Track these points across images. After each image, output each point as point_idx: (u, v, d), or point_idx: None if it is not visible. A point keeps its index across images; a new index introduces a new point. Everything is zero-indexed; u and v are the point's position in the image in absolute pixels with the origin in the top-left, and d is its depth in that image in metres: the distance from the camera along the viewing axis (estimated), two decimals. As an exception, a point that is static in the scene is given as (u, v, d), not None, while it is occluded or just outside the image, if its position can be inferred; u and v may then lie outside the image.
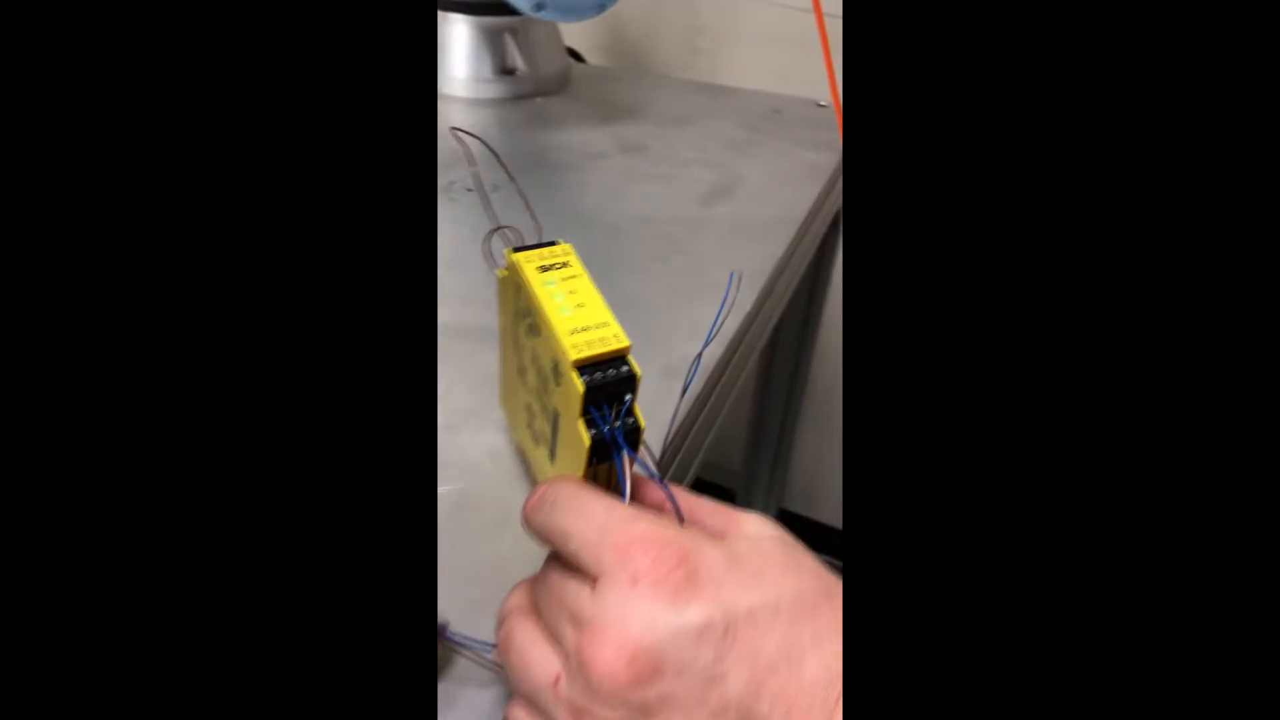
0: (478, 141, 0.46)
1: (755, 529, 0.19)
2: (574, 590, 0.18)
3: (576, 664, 0.17)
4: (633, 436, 0.20)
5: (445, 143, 0.33)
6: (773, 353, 0.76)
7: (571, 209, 0.49)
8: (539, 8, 0.53)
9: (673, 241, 0.46)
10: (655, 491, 0.21)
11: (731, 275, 0.41)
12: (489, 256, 0.26)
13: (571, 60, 0.72)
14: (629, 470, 0.20)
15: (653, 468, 0.21)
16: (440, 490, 0.28)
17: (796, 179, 0.54)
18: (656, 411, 0.32)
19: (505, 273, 0.24)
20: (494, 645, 0.21)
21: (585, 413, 0.20)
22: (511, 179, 0.31)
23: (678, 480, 0.36)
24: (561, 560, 0.19)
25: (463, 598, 0.24)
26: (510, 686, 0.21)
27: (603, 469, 0.20)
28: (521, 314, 0.23)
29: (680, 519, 0.20)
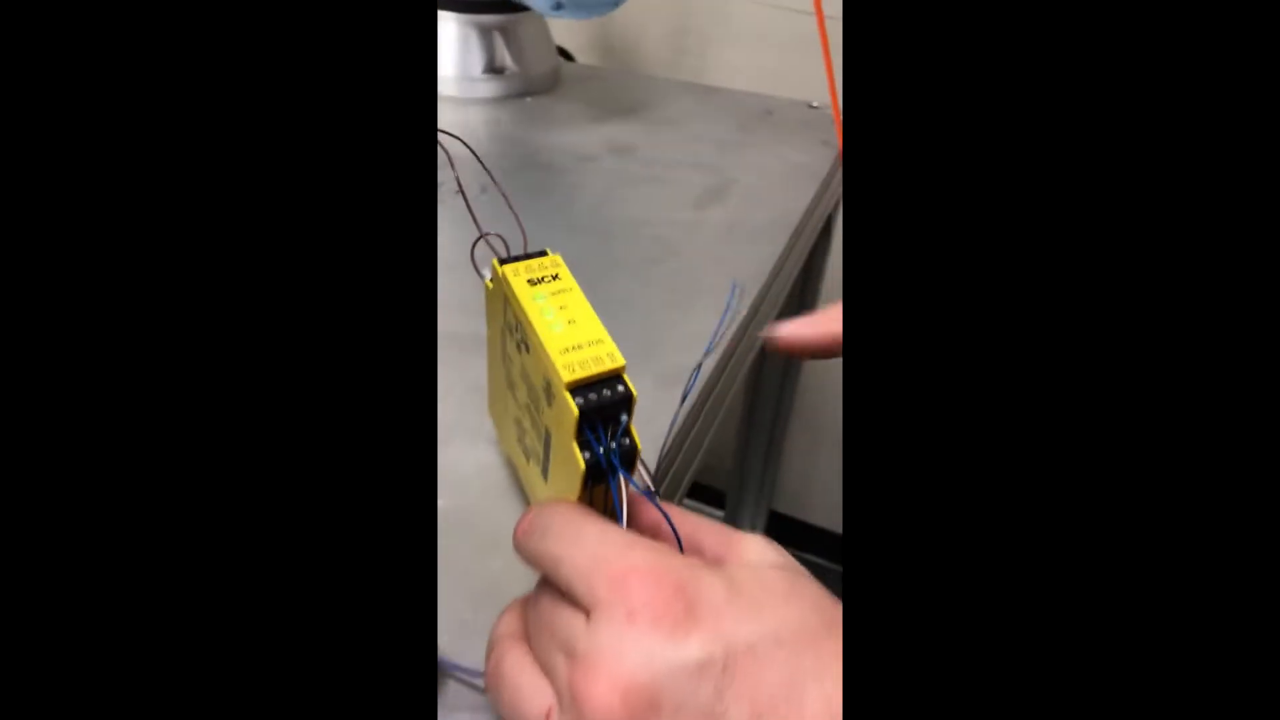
0: (467, 140, 0.45)
1: (756, 553, 0.19)
2: (567, 620, 0.17)
3: (569, 699, 0.16)
4: (629, 457, 0.19)
5: (433, 146, 0.32)
6: (763, 356, 0.75)
7: (562, 212, 0.48)
8: (557, 7, 0.52)
9: (666, 245, 0.45)
10: (652, 511, 0.20)
11: (734, 286, 0.41)
12: (475, 265, 0.25)
13: (561, 59, 0.71)
14: (625, 494, 0.19)
15: (650, 488, 0.20)
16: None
17: (790, 182, 0.53)
18: (652, 422, 0.32)
19: (492, 284, 0.23)
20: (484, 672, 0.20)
21: (579, 435, 0.19)
22: (495, 183, 0.30)
23: (672, 491, 0.35)
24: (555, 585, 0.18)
25: (451, 620, 0.23)
26: (498, 716, 0.20)
27: (598, 491, 0.20)
28: (510, 328, 0.22)
29: (679, 544, 0.19)
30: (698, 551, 0.19)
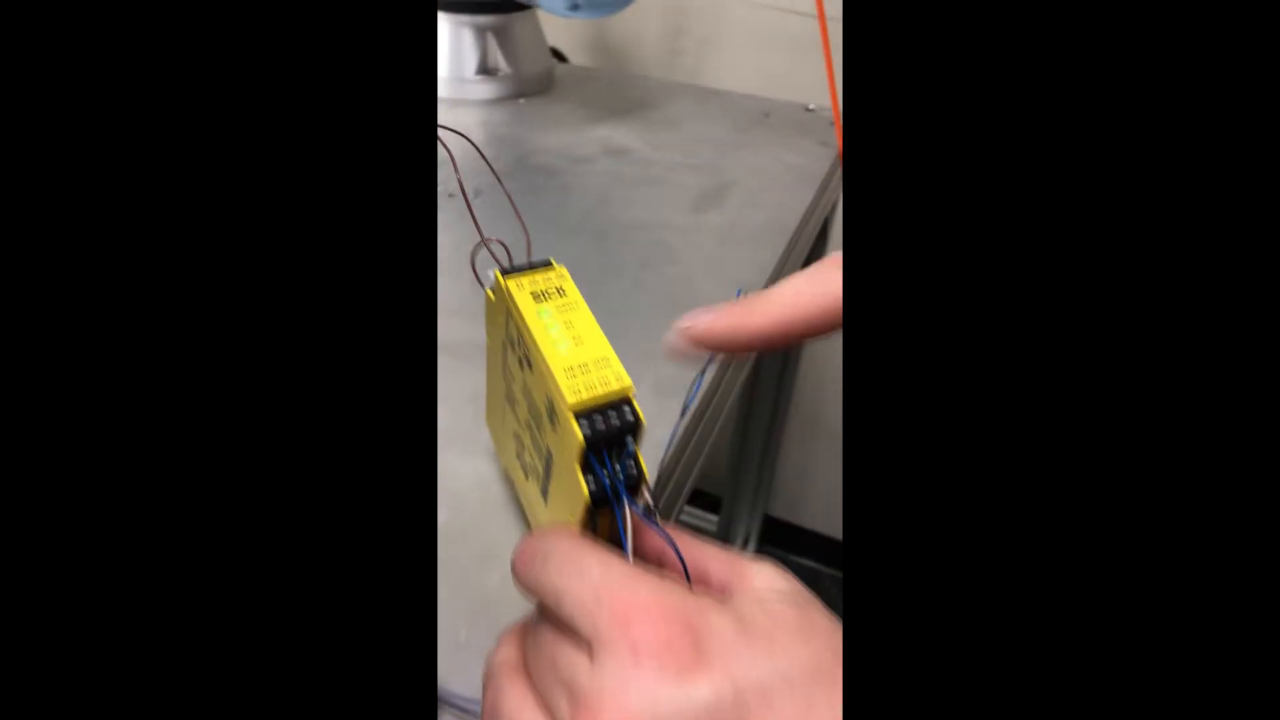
0: (463, 143, 0.44)
1: (764, 582, 0.18)
2: (569, 655, 0.16)
3: None
4: (635, 483, 0.18)
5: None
6: (759, 361, 0.75)
7: (558, 215, 0.47)
8: (574, 8, 0.51)
9: (663, 249, 0.44)
10: (656, 536, 0.19)
11: (739, 292, 0.40)
12: (475, 272, 0.24)
13: (555, 60, 0.71)
14: (630, 523, 0.18)
15: (653, 509, 0.19)
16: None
17: (787, 185, 0.53)
18: (651, 432, 0.31)
19: (494, 295, 0.22)
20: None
21: (584, 460, 0.18)
22: (500, 184, 0.29)
23: (672, 501, 0.34)
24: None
25: (447, 641, 0.23)
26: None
27: (602, 517, 0.19)
28: (512, 342, 0.21)
29: (686, 575, 0.18)
30: (703, 579, 0.19)
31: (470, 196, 0.44)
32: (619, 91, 0.67)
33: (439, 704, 0.21)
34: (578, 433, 0.18)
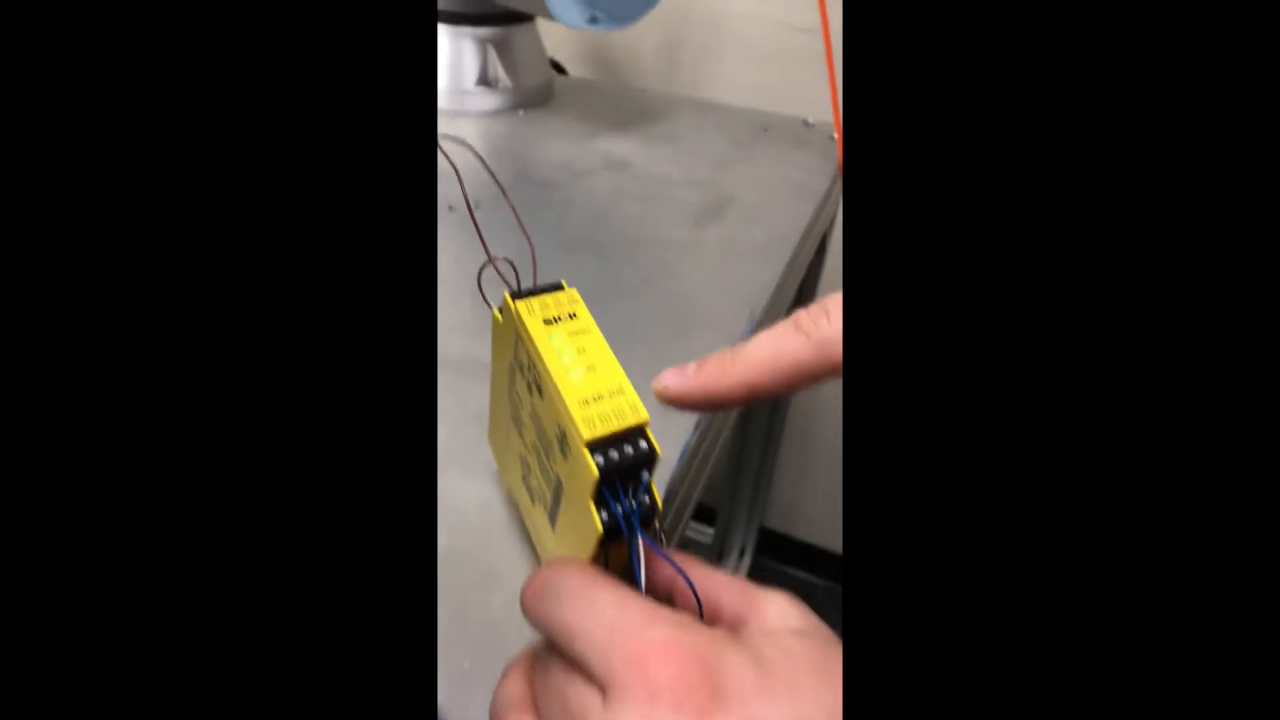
0: (467, 153, 0.43)
1: (778, 615, 0.17)
2: (582, 695, 0.16)
3: None
4: (649, 517, 0.18)
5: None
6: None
7: (557, 229, 0.47)
8: (592, 20, 0.51)
9: (664, 265, 0.44)
10: (666, 565, 0.19)
11: (750, 315, 0.40)
12: (482, 292, 0.24)
13: (554, 72, 0.70)
14: (644, 558, 0.18)
15: (663, 539, 0.19)
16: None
17: (787, 201, 0.53)
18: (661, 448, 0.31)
19: (501, 317, 0.21)
20: None
21: (596, 493, 0.18)
22: (505, 196, 0.29)
23: (677, 518, 0.34)
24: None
25: (450, 669, 0.22)
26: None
27: (614, 550, 0.18)
28: (521, 366, 0.21)
29: (700, 609, 0.18)
30: (716, 609, 0.18)
31: (472, 207, 0.44)
32: (618, 104, 0.67)
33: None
34: (592, 466, 0.17)
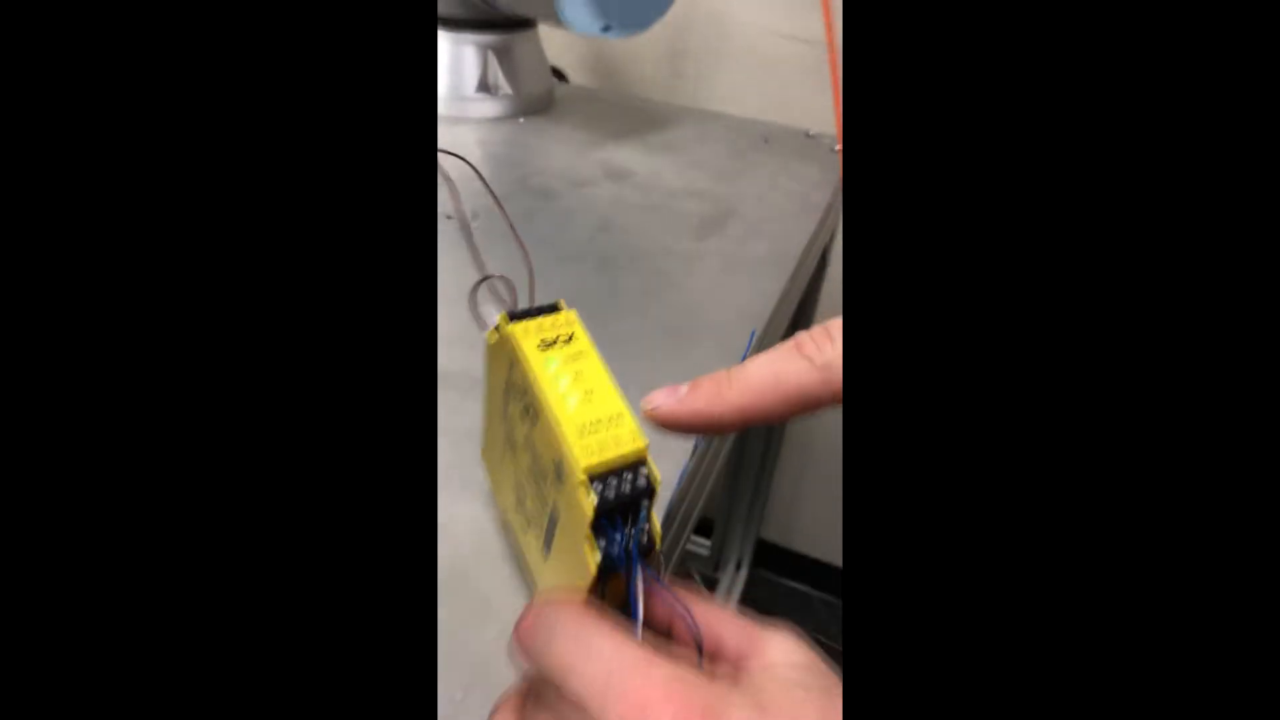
0: (462, 165, 0.43)
1: (781, 654, 0.17)
2: None
3: None
4: (647, 549, 0.17)
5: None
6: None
7: (557, 240, 0.46)
8: (605, 29, 0.51)
9: (665, 277, 0.43)
10: (665, 599, 0.18)
11: (752, 334, 0.39)
12: (476, 311, 0.23)
13: (555, 80, 0.70)
14: (642, 595, 0.17)
15: (667, 578, 0.18)
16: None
17: (790, 213, 0.52)
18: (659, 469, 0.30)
19: (496, 336, 0.21)
20: None
21: (594, 525, 0.17)
22: (501, 210, 0.28)
23: (676, 541, 0.33)
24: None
25: (443, 700, 0.21)
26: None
27: (611, 582, 0.18)
28: (515, 390, 0.20)
29: (700, 650, 0.17)
30: (717, 647, 0.18)
31: (468, 220, 0.43)
32: (620, 113, 0.67)
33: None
34: (588, 501, 0.16)
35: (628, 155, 0.58)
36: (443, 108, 0.60)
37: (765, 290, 0.43)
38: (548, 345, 0.19)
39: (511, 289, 0.23)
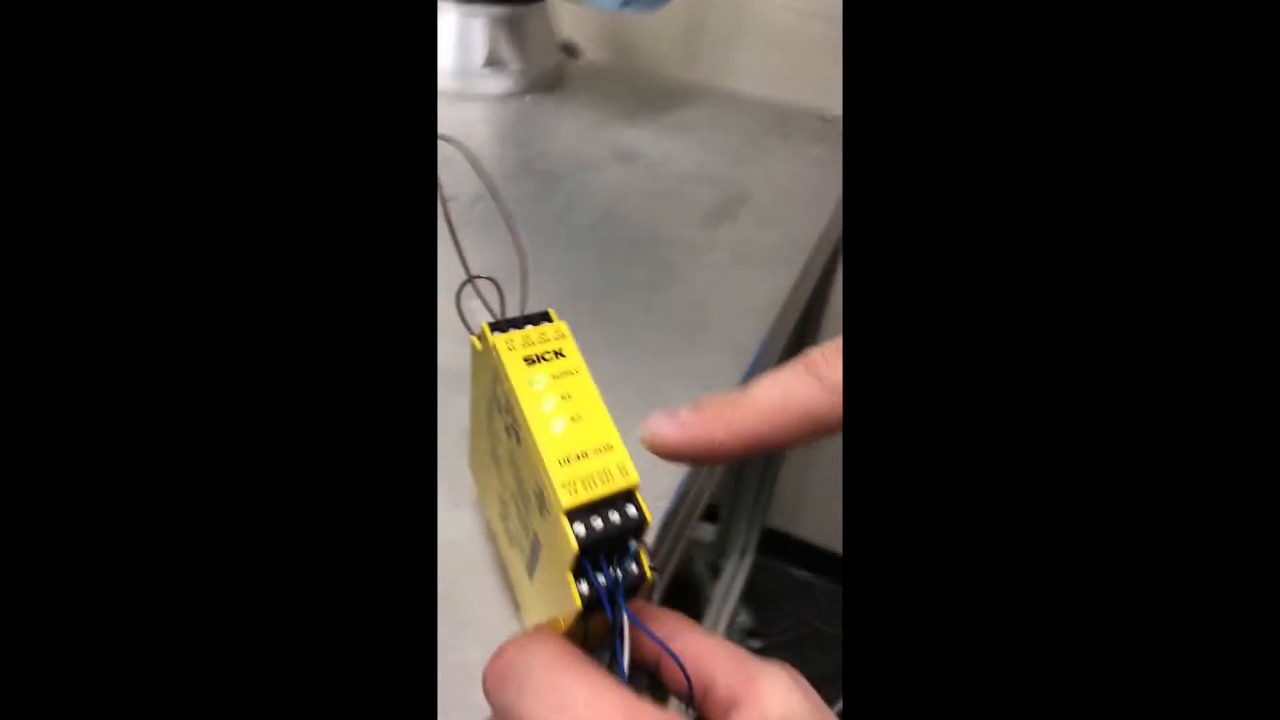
0: (466, 145, 0.41)
1: (777, 697, 0.16)
2: None
3: None
4: (635, 586, 0.16)
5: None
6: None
7: (560, 224, 0.44)
8: (625, 4, 0.49)
9: (671, 268, 0.42)
10: (649, 642, 0.17)
11: (761, 342, 0.37)
12: (461, 314, 0.21)
13: (566, 56, 0.68)
14: (628, 642, 0.16)
15: (654, 607, 0.17)
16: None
17: (803, 201, 0.50)
18: (657, 478, 0.28)
19: (480, 344, 0.19)
20: None
21: (577, 564, 0.16)
22: (496, 202, 0.27)
23: (680, 529, 0.32)
24: None
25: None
26: None
27: (595, 618, 0.16)
28: (499, 405, 0.19)
29: (690, 689, 0.16)
30: (709, 687, 0.16)
31: (466, 206, 0.42)
32: (631, 91, 0.65)
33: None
34: (571, 540, 0.15)
35: (638, 136, 0.56)
36: (448, 83, 0.58)
37: (777, 282, 0.41)
38: (534, 361, 0.17)
39: (500, 293, 0.22)
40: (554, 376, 0.17)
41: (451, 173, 0.23)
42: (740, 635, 1.03)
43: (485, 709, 0.18)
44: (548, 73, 0.62)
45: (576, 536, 0.15)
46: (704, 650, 0.17)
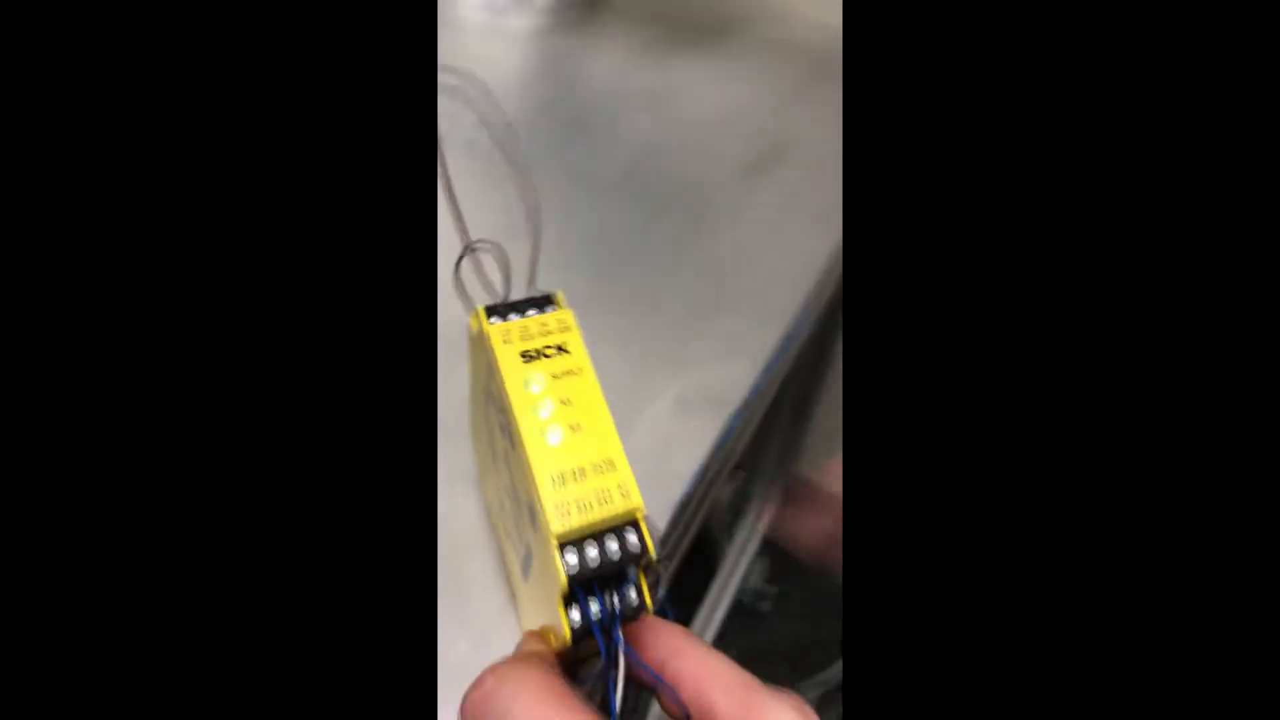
0: (478, 84, 0.38)
1: None
2: None
3: None
4: (634, 614, 0.14)
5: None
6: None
7: (587, 171, 0.42)
8: None
9: (701, 226, 0.39)
10: (656, 646, 0.15)
11: (801, 313, 0.34)
12: (461, 288, 0.19)
13: (605, -20, 0.63)
14: (621, 676, 0.14)
15: (654, 621, 0.15)
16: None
17: (853, 152, 0.46)
18: (668, 457, 0.26)
19: (476, 325, 0.17)
20: None
21: (568, 595, 0.14)
22: (502, 149, 0.24)
23: (700, 503, 0.30)
24: None
25: None
26: None
27: (588, 641, 0.15)
28: (493, 401, 0.17)
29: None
30: (707, 717, 0.15)
31: (484, 152, 0.39)
32: (676, 18, 0.60)
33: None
34: (561, 575, 0.13)
35: (680, 70, 0.52)
36: (473, 16, 0.54)
37: (814, 249, 0.38)
38: (532, 357, 0.15)
39: (506, 259, 0.20)
40: (554, 377, 0.15)
41: (468, 117, 0.21)
42: (752, 596, 1.03)
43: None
44: (579, 5, 0.58)
45: (567, 569, 0.13)
46: (706, 674, 0.15)
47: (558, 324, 0.16)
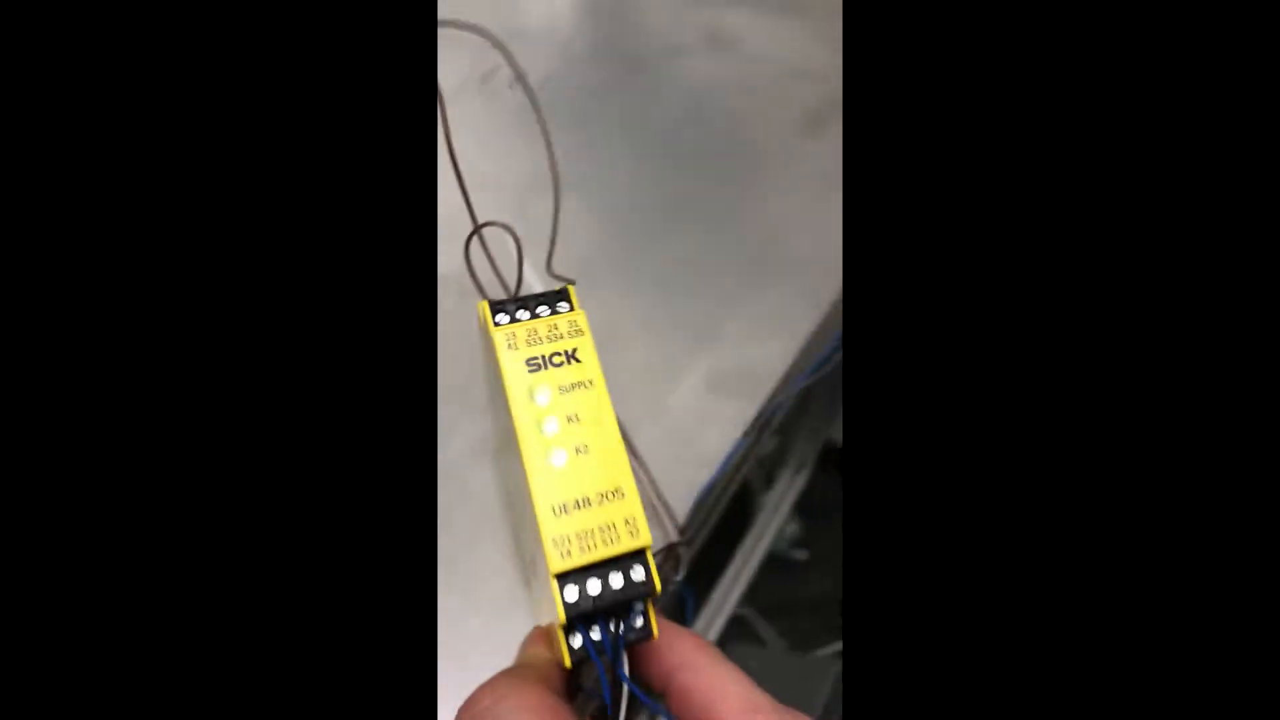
0: (488, 32, 0.36)
1: None
2: None
3: None
4: (642, 639, 0.14)
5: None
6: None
7: (632, 124, 0.40)
8: None
9: (751, 187, 0.37)
10: (660, 660, 0.15)
11: (836, 344, 0.32)
12: (473, 273, 0.18)
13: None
14: (624, 704, 0.13)
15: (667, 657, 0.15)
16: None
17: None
18: (696, 445, 0.25)
19: (483, 317, 0.16)
20: None
21: (568, 625, 0.13)
22: (536, 111, 0.23)
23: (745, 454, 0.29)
24: None
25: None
26: None
27: (589, 663, 0.14)
28: (499, 400, 0.16)
29: None
30: None
31: (501, 89, 0.37)
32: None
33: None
34: (560, 609, 0.13)
35: (736, 18, 0.49)
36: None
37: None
38: (539, 366, 0.14)
39: (517, 242, 0.18)
40: (561, 390, 0.14)
41: (465, 66, 0.19)
42: (787, 544, 1.03)
43: (480, 678, 0.17)
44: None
45: (566, 605, 0.13)
46: (715, 691, 0.15)
47: (569, 327, 0.15)
